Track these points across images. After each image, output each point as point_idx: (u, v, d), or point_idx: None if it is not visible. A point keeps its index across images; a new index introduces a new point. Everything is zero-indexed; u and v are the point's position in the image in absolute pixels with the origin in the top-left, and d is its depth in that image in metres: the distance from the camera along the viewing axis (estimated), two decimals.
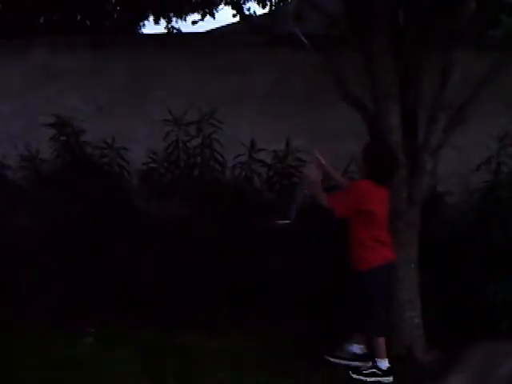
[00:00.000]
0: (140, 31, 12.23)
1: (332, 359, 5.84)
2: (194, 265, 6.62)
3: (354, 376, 5.69)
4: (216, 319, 6.47)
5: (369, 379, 5.67)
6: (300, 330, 6.38)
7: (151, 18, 11.43)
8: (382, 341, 5.70)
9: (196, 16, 10.80)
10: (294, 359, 5.91)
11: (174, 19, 11.21)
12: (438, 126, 6.06)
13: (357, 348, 5.88)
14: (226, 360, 5.87)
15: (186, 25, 16.99)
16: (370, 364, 5.73)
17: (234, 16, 8.85)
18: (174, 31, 11.07)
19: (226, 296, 6.59)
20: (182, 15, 11.23)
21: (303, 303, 6.49)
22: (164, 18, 11.15)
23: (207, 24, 23.84)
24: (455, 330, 6.13)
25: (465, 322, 6.20)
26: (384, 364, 5.70)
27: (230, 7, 9.08)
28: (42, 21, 11.10)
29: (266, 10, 9.67)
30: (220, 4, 10.21)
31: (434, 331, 6.10)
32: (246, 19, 9.41)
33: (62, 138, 7.83)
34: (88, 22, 11.28)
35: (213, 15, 10.49)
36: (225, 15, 15.53)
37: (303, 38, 6.10)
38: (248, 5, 10.98)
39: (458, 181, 7.09)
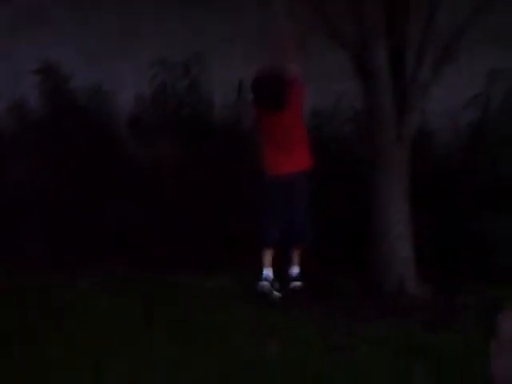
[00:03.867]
0: None
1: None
2: (185, 207, 6.63)
3: None
4: (207, 261, 6.50)
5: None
6: None
7: None
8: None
9: None
10: None
11: None
12: (427, 64, 6.02)
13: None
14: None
15: None
16: None
17: None
18: None
19: (217, 238, 6.61)
20: None
21: None
22: None
23: None
24: (446, 267, 6.21)
25: (455, 259, 6.27)
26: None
27: None
28: None
29: None
30: None
31: (426, 268, 6.14)
32: None
33: (49, 85, 7.76)
34: None
35: None
36: None
37: None
38: None
39: (448, 118, 7.06)
